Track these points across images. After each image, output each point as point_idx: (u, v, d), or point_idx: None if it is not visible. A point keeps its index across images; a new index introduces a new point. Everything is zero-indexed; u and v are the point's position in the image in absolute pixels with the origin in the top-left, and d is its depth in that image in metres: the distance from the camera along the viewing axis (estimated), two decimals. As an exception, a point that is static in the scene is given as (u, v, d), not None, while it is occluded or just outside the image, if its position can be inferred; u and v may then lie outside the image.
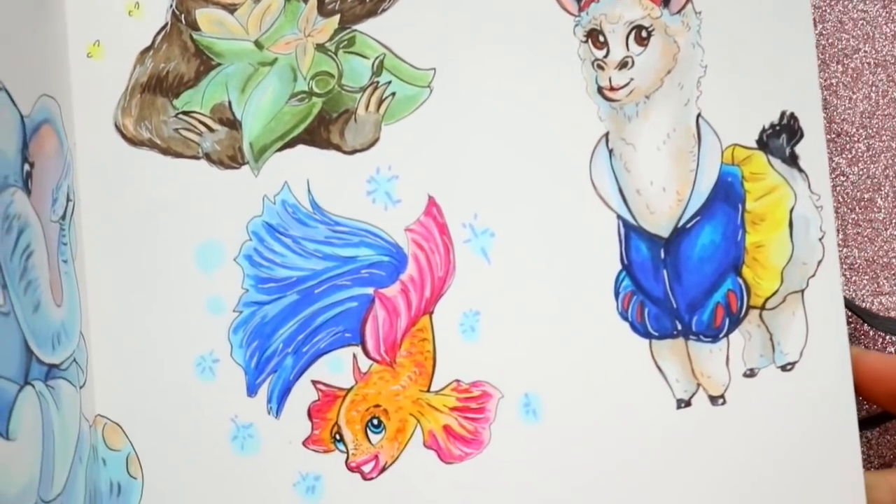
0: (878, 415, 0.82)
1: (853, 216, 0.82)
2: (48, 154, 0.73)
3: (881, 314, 0.82)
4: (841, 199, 0.82)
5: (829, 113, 0.82)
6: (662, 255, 0.79)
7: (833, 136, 0.82)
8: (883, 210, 0.82)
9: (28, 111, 0.71)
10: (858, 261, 0.82)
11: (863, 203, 0.82)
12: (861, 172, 0.82)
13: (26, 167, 0.70)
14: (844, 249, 0.82)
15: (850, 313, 0.82)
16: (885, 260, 0.82)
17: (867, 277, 0.82)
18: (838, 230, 0.82)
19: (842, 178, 0.82)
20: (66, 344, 0.73)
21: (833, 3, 0.82)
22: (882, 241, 0.82)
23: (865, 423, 0.82)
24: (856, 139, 0.82)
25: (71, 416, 0.73)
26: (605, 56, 0.79)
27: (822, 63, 0.82)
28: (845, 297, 0.81)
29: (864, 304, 0.82)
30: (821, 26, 0.82)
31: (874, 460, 0.83)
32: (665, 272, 0.79)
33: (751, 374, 0.79)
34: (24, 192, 0.69)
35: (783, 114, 0.80)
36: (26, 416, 0.67)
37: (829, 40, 0.82)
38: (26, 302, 0.68)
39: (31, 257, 0.69)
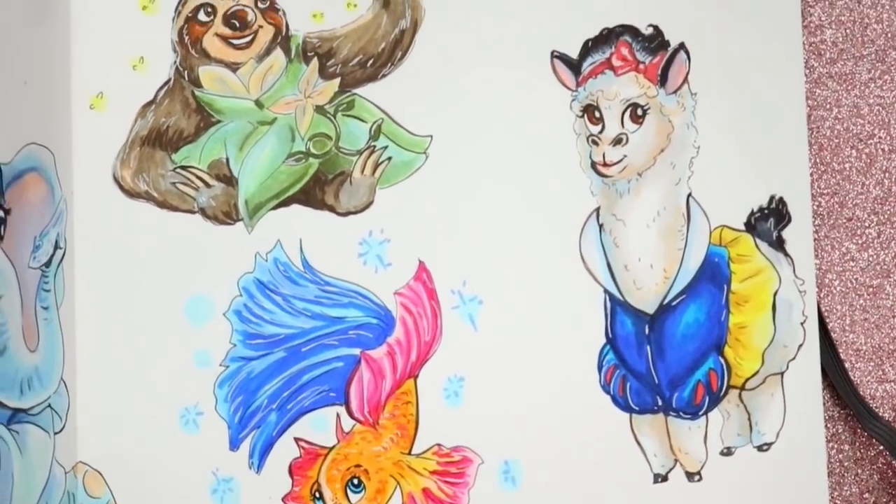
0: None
1: (861, 302, 0.76)
2: (31, 201, 0.68)
3: (882, 415, 0.76)
4: (849, 285, 0.76)
5: (842, 197, 0.77)
6: (647, 330, 0.73)
7: (844, 220, 0.77)
8: (891, 297, 0.77)
9: (8, 159, 0.66)
10: (864, 347, 0.76)
11: (871, 289, 0.77)
12: (871, 258, 0.77)
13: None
14: (851, 335, 0.76)
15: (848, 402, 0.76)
16: (891, 347, 0.77)
17: (872, 364, 0.76)
18: (845, 315, 0.76)
19: (851, 264, 0.76)
20: (38, 389, 0.68)
21: (850, 87, 0.76)
22: (889, 328, 0.77)
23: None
24: (867, 225, 0.77)
25: (38, 461, 0.67)
26: (600, 132, 0.73)
27: (835, 147, 0.77)
28: (852, 385, 0.75)
29: (867, 389, 0.76)
30: (836, 110, 0.76)
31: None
32: (649, 348, 0.73)
33: (728, 452, 0.74)
34: None
35: (772, 198, 0.74)
36: (-23, 459, 0.62)
37: (845, 125, 0.76)
38: None
39: None
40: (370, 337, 0.73)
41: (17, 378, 0.66)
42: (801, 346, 0.74)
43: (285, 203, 0.73)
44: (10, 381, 0.65)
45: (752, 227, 0.74)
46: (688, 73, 0.74)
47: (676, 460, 0.73)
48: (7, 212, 0.66)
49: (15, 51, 0.68)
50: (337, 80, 0.74)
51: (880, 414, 0.77)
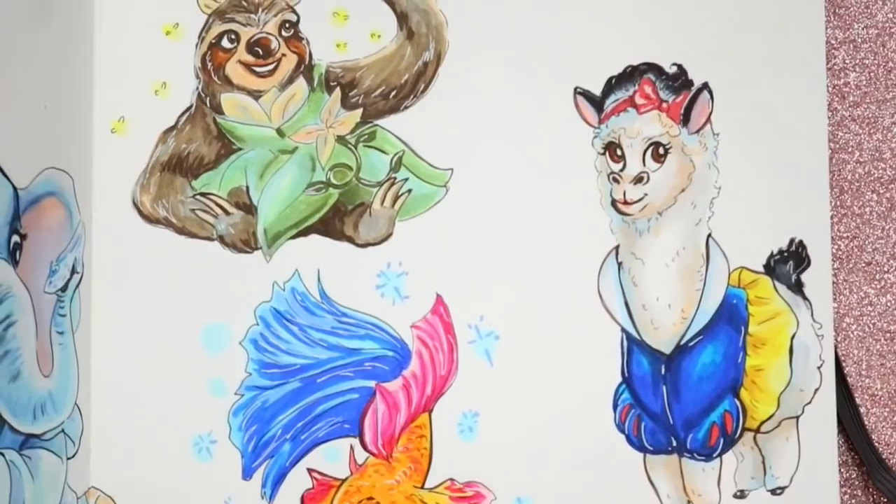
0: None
1: (878, 347, 0.75)
2: (49, 226, 0.67)
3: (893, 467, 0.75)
4: (867, 329, 0.75)
5: (861, 241, 0.75)
6: (663, 370, 0.72)
7: (863, 264, 0.75)
8: (909, 342, 0.75)
9: (26, 184, 0.65)
10: (880, 392, 0.75)
11: (888, 334, 0.75)
12: (889, 303, 0.75)
13: (15, 238, 0.64)
14: (867, 380, 0.75)
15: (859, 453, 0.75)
16: (907, 393, 0.75)
17: (888, 410, 0.75)
18: (862, 360, 0.75)
19: (869, 308, 0.75)
20: (51, 414, 0.67)
21: (872, 131, 0.75)
22: (906, 373, 0.75)
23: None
24: (886, 269, 0.75)
25: (50, 486, 0.66)
26: (622, 170, 0.72)
27: (856, 191, 0.75)
28: (866, 433, 0.74)
29: (882, 435, 0.75)
30: (858, 154, 0.75)
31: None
32: (664, 388, 0.72)
33: (741, 495, 0.73)
34: (7, 263, 0.63)
35: (792, 241, 0.73)
36: (-12, 484, 0.61)
37: (866, 168, 0.75)
38: (1, 371, 0.62)
39: (12, 327, 0.63)
40: (386, 369, 0.72)
41: (31, 404, 0.65)
42: (817, 390, 0.72)
43: (304, 233, 0.72)
44: (24, 406, 0.64)
45: (771, 269, 0.73)
46: (711, 114, 0.72)
47: (689, 501, 0.72)
48: (23, 237, 0.65)
49: (36, 75, 0.66)
50: (359, 111, 0.73)
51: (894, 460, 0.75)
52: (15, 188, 0.64)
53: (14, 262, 0.64)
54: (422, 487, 0.72)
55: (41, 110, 0.67)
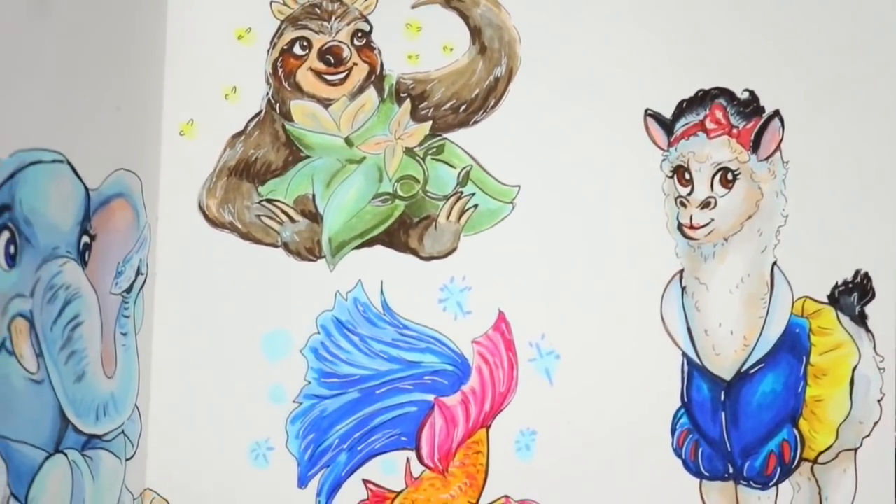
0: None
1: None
2: (117, 227, 0.65)
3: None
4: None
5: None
6: (723, 397, 0.70)
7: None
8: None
9: (97, 184, 0.63)
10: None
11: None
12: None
13: (85, 239, 0.62)
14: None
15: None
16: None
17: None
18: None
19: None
20: (113, 415, 0.65)
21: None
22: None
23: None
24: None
25: (109, 487, 0.65)
26: (689, 194, 0.70)
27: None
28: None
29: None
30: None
31: None
32: (723, 414, 0.70)
33: (796, 525, 0.71)
34: (77, 264, 0.61)
35: (857, 272, 0.71)
36: (52, 483, 0.59)
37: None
38: (67, 371, 0.60)
39: (79, 328, 0.61)
40: (445, 384, 0.70)
41: (94, 404, 0.63)
42: (876, 423, 0.71)
43: (369, 243, 0.71)
44: (87, 407, 0.63)
45: (835, 300, 0.71)
46: (781, 141, 0.70)
47: (744, 529, 0.71)
48: (93, 238, 0.63)
49: (110, 77, 0.65)
50: (428, 124, 0.71)
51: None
52: (87, 188, 0.63)
53: (83, 263, 0.62)
54: (476, 503, 0.70)
55: (114, 111, 0.65)
